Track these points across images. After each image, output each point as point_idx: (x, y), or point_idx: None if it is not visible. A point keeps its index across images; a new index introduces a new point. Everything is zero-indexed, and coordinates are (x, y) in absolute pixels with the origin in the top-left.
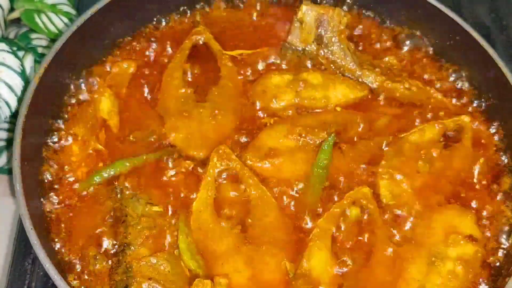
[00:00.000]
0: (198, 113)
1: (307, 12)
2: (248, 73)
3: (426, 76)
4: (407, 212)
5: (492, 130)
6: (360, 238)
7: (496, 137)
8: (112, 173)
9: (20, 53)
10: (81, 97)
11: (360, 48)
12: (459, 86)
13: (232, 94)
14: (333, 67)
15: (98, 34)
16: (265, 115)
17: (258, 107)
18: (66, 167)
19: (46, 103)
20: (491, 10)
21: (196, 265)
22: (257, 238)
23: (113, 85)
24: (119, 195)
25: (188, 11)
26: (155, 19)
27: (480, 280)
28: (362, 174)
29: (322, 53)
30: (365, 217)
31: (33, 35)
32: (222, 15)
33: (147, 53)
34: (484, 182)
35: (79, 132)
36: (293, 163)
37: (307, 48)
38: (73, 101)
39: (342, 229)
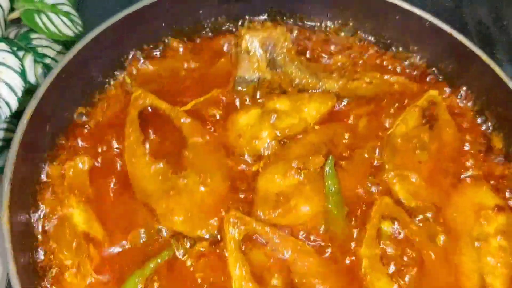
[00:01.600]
0: (184, 186)
1: (250, 40)
2: (212, 120)
3: (377, 62)
4: (431, 206)
5: (462, 95)
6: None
7: (469, 103)
8: None
9: (20, 53)
10: (49, 222)
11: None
12: (413, 66)
13: (207, 150)
14: (293, 87)
15: (35, 148)
16: (252, 160)
17: (241, 155)
18: None
19: (19, 244)
20: (491, 10)
21: None
22: None
23: (75, 190)
24: None
25: (111, 81)
26: (83, 101)
27: None
28: (373, 185)
29: (278, 77)
30: (398, 227)
31: (33, 35)
32: (151, 71)
33: (93, 143)
34: (479, 149)
35: (66, 258)
36: (306, 199)
37: (262, 76)
38: (42, 227)
39: (386, 248)
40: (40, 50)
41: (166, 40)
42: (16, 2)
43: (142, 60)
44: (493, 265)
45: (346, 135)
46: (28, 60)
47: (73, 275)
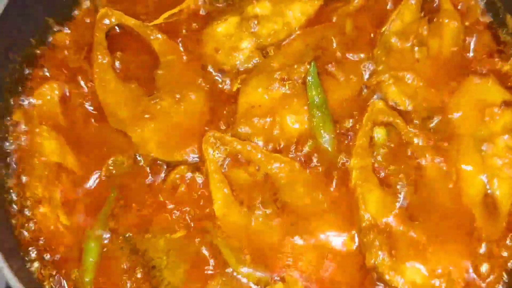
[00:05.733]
0: (159, 109)
1: None
2: (186, 35)
3: None
4: (430, 108)
5: None
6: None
7: None
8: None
9: None
10: (16, 149)
11: None
12: None
13: (182, 68)
14: None
15: None
16: (233, 75)
17: (219, 71)
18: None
19: None
20: None
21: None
22: (301, 214)
23: (46, 119)
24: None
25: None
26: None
27: None
28: (367, 91)
29: None
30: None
31: None
32: None
33: (63, 66)
34: (485, 44)
35: (38, 192)
36: (293, 113)
37: None
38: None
39: (379, 158)
40: None
41: None
42: None
43: None
44: (499, 167)
45: (336, 38)
46: None
47: (45, 208)
